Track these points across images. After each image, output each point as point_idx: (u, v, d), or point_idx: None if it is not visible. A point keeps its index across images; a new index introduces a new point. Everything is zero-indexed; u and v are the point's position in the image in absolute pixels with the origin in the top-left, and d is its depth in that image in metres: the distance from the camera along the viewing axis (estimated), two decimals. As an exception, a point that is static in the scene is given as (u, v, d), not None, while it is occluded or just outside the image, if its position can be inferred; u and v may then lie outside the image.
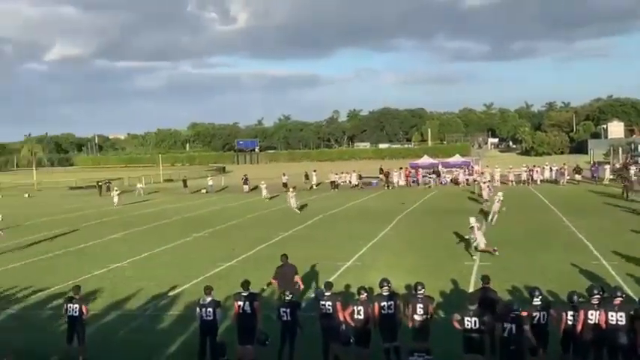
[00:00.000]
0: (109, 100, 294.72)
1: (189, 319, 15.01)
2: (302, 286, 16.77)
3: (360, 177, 58.60)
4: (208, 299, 13.00)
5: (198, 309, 13.04)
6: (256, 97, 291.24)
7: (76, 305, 13.29)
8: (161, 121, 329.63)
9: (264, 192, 47.19)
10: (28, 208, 46.14)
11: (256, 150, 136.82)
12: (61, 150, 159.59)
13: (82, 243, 28.36)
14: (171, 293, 18.82)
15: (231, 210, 40.21)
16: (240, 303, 12.84)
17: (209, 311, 12.84)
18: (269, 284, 17.15)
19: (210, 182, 58.91)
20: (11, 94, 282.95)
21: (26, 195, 59.13)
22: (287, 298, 12.90)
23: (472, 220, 23.19)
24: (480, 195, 39.77)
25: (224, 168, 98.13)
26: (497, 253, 22.07)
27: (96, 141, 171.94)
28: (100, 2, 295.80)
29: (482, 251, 22.29)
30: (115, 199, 44.76)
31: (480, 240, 22.37)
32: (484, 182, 41.34)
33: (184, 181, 59.13)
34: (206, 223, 33.69)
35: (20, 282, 19.88)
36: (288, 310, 12.67)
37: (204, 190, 56.06)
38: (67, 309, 13.32)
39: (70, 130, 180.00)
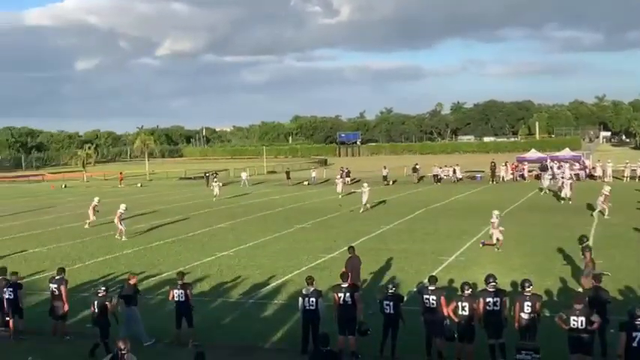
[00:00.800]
0: (216, 94, 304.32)
1: (292, 309, 15.28)
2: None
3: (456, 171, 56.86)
4: (311, 289, 13.19)
5: (300, 299, 13.26)
6: (359, 89, 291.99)
7: (181, 291, 13.86)
8: (265, 114, 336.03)
9: (339, 187, 44.15)
10: (140, 197, 48.33)
11: (358, 143, 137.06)
12: (171, 142, 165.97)
13: (190, 231, 29.44)
14: (274, 282, 19.23)
15: (333, 202, 40.48)
16: (341, 294, 12.96)
17: (311, 301, 13.03)
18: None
19: (313, 174, 59.62)
20: (125, 87, 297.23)
21: (139, 184, 61.99)
22: (390, 291, 12.88)
23: (495, 213, 23.40)
24: (560, 193, 38.15)
25: (326, 160, 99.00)
26: (499, 250, 22.46)
27: (203, 133, 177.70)
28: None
29: (489, 244, 23.05)
30: (216, 190, 45.54)
31: (495, 234, 22.99)
32: (567, 179, 39.68)
33: (287, 173, 60.18)
34: (308, 215, 34.11)
35: (132, 268, 20.83)
36: (391, 303, 12.67)
37: (306, 182, 56.80)
38: (173, 295, 13.92)
39: (179, 122, 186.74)
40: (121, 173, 67.84)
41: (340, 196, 42.46)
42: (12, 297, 14.64)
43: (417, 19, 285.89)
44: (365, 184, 36.81)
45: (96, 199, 32.65)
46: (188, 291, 13.99)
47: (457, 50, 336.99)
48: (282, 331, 14.72)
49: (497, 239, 22.92)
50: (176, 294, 13.87)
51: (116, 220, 28.17)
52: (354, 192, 41.72)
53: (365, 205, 35.56)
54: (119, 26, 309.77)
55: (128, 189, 57.86)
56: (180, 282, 14.07)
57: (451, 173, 56.33)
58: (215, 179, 49.83)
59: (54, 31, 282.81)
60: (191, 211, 37.49)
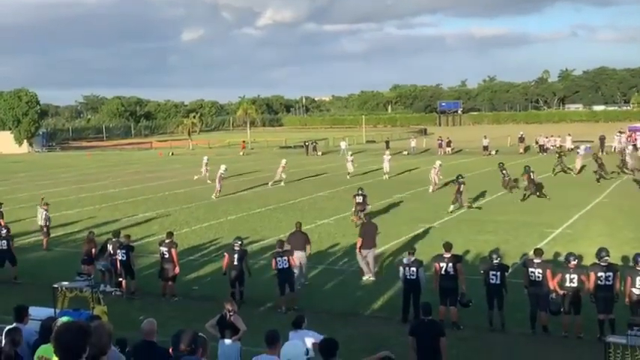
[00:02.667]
0: (315, 64, 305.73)
1: (392, 278, 15.24)
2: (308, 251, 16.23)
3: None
4: (412, 259, 13.12)
5: (401, 268, 13.23)
6: (460, 57, 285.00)
7: (285, 258, 14.19)
8: (364, 83, 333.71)
9: (349, 166, 39.29)
10: (243, 165, 49.45)
11: (459, 112, 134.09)
12: (272, 111, 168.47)
13: (291, 199, 29.89)
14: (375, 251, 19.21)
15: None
16: (443, 264, 12.81)
17: (412, 270, 12.98)
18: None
19: (413, 144, 58.97)
20: (228, 58, 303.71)
21: (241, 153, 63.45)
22: (495, 261, 12.59)
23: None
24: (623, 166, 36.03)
25: (425, 130, 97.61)
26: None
27: (303, 102, 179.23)
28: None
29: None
30: (349, 167, 39.64)
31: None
32: (629, 152, 37.54)
33: (387, 143, 59.78)
34: (407, 185, 33.82)
35: (238, 233, 21.39)
36: (498, 273, 12.42)
37: (405, 152, 56.24)
38: (276, 262, 14.24)
39: (280, 92, 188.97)
40: (243, 142, 69.20)
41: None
42: (124, 259, 15.41)
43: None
44: (387, 152, 38.36)
45: (222, 167, 32.05)
46: (290, 258, 14.28)
47: (566, 15, 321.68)
48: (383, 300, 14.73)
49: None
50: (279, 262, 14.18)
51: (217, 180, 29.38)
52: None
53: (386, 174, 36.71)
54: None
55: (229, 157, 59.34)
56: (280, 249, 14.37)
57: (558, 143, 54.02)
58: (350, 153, 44.86)
59: (161, 3, 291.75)
60: (291, 179, 37.95)
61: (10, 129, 78.22)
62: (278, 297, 14.23)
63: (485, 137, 55.06)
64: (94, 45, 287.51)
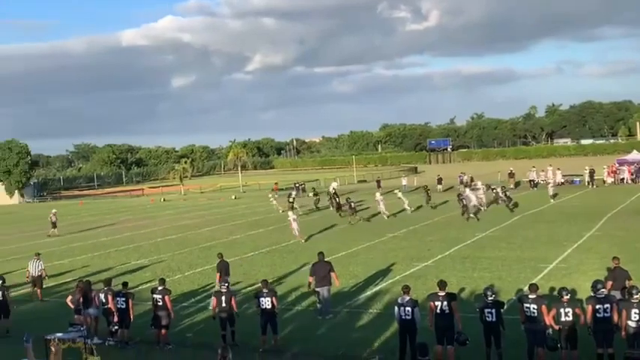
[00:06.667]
0: (305, 105, 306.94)
1: (388, 318, 15.14)
2: (337, 283, 17.42)
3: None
4: (407, 298, 13.05)
5: (396, 308, 13.15)
6: (448, 95, 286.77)
7: (268, 298, 14.33)
8: (354, 123, 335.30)
9: (405, 203, 39.21)
10: (235, 209, 49.36)
11: (449, 149, 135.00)
12: (262, 154, 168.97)
13: (283, 242, 29.74)
14: (369, 291, 19.17)
15: (425, 210, 39.97)
16: (438, 303, 12.75)
17: (407, 310, 12.90)
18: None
19: (404, 182, 59.08)
20: (218, 103, 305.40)
21: (233, 197, 63.39)
22: (490, 298, 12.55)
23: None
24: None
25: (416, 168, 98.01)
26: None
27: (294, 144, 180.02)
28: (296, 12, 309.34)
29: None
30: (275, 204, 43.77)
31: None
32: None
33: (378, 182, 59.90)
34: (400, 223, 33.82)
35: (231, 277, 21.32)
36: (493, 311, 12.37)
37: (396, 191, 56.30)
38: (259, 302, 14.42)
39: (270, 134, 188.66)
40: (276, 184, 67.99)
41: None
42: (124, 307, 15.28)
43: (508, 21, 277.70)
44: (377, 194, 39.26)
45: (334, 184, 34.40)
46: (274, 298, 14.33)
47: (551, 51, 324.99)
48: (379, 341, 14.59)
49: None
50: (262, 302, 14.24)
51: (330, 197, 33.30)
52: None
53: (384, 214, 36.88)
54: (212, 43, 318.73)
55: (221, 201, 59.19)
56: (265, 289, 14.45)
57: (550, 177, 54.21)
58: (274, 196, 47.83)
59: (150, 50, 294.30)
60: (283, 222, 37.83)
61: (0, 180, 78.04)
62: (260, 336, 14.23)
63: (462, 173, 55.94)
64: (83, 94, 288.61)
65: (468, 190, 39.23)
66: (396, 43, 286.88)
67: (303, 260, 24.20)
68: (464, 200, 35.09)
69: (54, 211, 40.05)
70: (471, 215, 33.74)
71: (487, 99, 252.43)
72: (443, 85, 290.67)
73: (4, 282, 17.50)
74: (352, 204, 36.70)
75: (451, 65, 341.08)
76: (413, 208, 38.85)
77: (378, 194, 39.46)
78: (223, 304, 14.60)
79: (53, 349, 10.38)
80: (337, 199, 41.38)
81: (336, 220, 37.41)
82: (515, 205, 37.14)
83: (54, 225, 38.16)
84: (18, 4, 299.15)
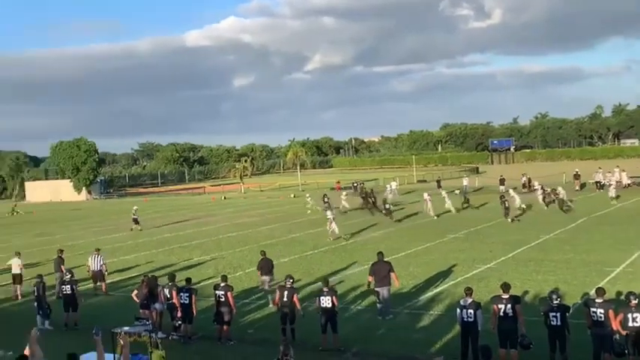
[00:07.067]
0: (364, 105, 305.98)
1: (450, 320, 15.00)
2: (397, 284, 17.48)
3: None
4: (469, 300, 12.91)
5: (458, 310, 13.02)
6: (511, 94, 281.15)
7: (328, 297, 14.43)
8: (414, 122, 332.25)
9: (448, 203, 39.36)
10: (294, 207, 49.67)
11: (511, 149, 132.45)
12: (321, 153, 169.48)
13: (343, 240, 29.78)
14: (430, 293, 19.01)
15: (485, 211, 39.36)
16: (501, 306, 12.56)
17: (470, 312, 12.76)
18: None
19: (465, 182, 58.24)
20: (278, 102, 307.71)
21: (292, 195, 63.82)
22: (555, 302, 12.29)
23: None
24: None
25: (477, 168, 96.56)
26: None
27: (352, 144, 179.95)
28: (356, 11, 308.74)
29: None
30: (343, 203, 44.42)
31: None
32: None
33: (438, 182, 59.31)
34: (462, 224, 33.40)
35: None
36: (558, 315, 12.11)
37: (457, 191, 55.58)
38: (319, 300, 14.52)
39: (329, 134, 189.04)
40: (338, 182, 69.07)
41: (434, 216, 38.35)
42: (187, 302, 15.61)
43: (574, 18, 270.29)
44: (425, 193, 39.34)
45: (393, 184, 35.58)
46: (334, 297, 14.39)
47: (619, 50, 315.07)
48: (440, 343, 14.46)
49: None
50: (322, 300, 14.28)
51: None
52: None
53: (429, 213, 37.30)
54: (271, 43, 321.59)
55: (280, 200, 59.67)
56: (325, 288, 14.49)
57: (615, 179, 52.60)
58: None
59: (212, 51, 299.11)
60: (345, 220, 37.84)
61: (69, 177, 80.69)
62: (321, 335, 14.31)
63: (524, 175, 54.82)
64: (148, 94, 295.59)
65: (512, 190, 38.96)
66: (458, 41, 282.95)
67: (361, 259, 24.16)
68: (506, 202, 34.65)
69: (135, 207, 41.37)
70: (515, 218, 33.41)
71: (552, 98, 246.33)
72: (505, 84, 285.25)
73: (72, 276, 18.13)
74: (388, 205, 37.78)
75: (514, 64, 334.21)
76: (455, 210, 38.82)
77: (425, 194, 39.53)
78: (285, 299, 14.79)
79: (122, 341, 10.65)
80: (373, 198, 42.47)
81: (394, 220, 37.12)
82: (569, 207, 36.38)
83: (135, 221, 39.17)
84: (94, 4, 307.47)
